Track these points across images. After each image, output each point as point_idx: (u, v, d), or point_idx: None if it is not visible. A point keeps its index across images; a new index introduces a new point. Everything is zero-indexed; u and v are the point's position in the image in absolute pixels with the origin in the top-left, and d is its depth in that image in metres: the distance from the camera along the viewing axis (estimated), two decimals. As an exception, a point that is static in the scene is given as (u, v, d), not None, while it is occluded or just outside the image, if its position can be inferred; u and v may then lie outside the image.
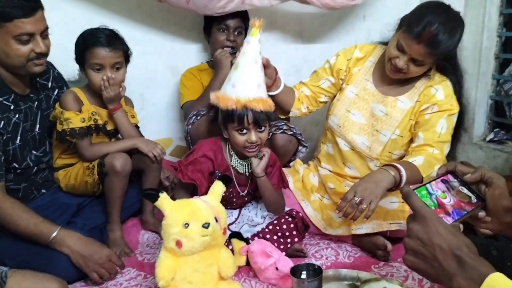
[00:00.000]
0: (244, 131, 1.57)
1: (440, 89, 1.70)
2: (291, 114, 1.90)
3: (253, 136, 1.57)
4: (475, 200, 1.02)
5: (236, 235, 1.61)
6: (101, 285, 1.51)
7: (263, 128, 1.59)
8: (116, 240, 1.74)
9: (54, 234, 1.45)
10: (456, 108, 1.70)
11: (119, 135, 1.88)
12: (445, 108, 1.69)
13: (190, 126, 1.93)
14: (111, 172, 1.69)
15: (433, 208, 0.95)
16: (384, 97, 1.78)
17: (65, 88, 1.87)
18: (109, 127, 1.84)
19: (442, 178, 1.05)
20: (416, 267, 0.85)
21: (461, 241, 0.81)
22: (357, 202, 1.46)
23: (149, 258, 1.71)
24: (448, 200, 1.00)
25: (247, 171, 1.71)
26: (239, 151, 1.65)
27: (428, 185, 1.01)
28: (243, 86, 1.56)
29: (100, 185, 1.74)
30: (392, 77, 1.73)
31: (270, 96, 1.69)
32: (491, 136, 2.42)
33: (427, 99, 1.70)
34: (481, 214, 1.02)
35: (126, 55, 1.80)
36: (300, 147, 1.99)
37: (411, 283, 1.49)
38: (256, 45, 1.58)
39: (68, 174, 1.79)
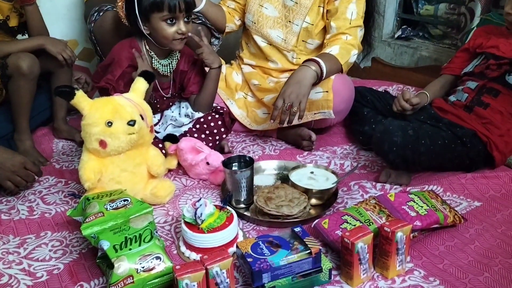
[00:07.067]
0: (174, 20, 1.46)
1: None
2: (227, 29, 1.92)
3: (183, 26, 1.47)
4: None
5: (170, 138, 1.55)
6: (18, 195, 1.42)
7: (189, 18, 1.50)
8: (27, 150, 1.62)
9: None
10: None
11: (20, 35, 1.65)
12: None
13: (92, 24, 1.74)
14: (16, 74, 1.51)
15: None
16: None
17: None
18: (12, 23, 1.63)
19: None
20: None
21: None
22: (286, 108, 1.51)
23: (67, 166, 1.61)
24: None
25: (169, 71, 1.61)
26: (163, 46, 1.53)
27: None
28: None
29: (3, 90, 1.54)
30: None
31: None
32: (399, 33, 2.52)
33: None
34: None
35: None
36: (212, 39, 1.92)
37: (333, 167, 1.58)
38: None
39: (-39, 79, 1.56)
